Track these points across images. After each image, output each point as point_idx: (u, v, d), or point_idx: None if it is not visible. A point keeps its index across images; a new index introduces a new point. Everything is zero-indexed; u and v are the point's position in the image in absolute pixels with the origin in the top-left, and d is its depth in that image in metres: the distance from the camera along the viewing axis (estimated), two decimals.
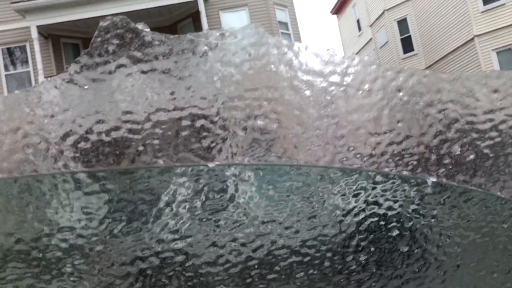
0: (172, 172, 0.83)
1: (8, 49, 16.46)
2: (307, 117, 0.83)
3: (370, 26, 30.02)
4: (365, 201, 0.90)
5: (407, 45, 26.57)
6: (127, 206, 0.84)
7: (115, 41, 0.82)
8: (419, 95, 0.85)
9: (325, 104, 0.84)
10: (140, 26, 0.82)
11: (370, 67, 0.85)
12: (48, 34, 16.30)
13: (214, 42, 0.80)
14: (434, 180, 0.85)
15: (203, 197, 0.85)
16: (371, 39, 30.68)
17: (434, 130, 0.88)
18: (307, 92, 0.82)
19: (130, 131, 0.80)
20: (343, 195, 0.88)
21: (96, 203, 0.85)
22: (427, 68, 25.33)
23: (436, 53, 24.23)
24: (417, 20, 25.70)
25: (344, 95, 0.84)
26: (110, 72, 0.81)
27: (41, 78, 14.80)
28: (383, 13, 27.55)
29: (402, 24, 26.62)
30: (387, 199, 0.90)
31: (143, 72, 0.79)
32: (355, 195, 0.88)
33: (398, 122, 0.86)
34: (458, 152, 0.87)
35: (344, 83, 0.84)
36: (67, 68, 0.84)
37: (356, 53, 34.52)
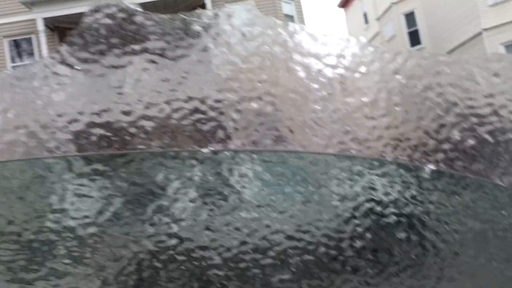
0: (165, 156, 0.82)
1: (15, 41, 16.47)
2: (302, 99, 0.81)
3: (377, 19, 29.81)
4: (362, 187, 0.89)
5: (414, 38, 26.37)
6: (120, 190, 0.83)
7: (107, 21, 0.80)
8: (417, 78, 0.83)
9: (320, 86, 0.82)
10: (132, 6, 0.81)
11: (367, 49, 0.83)
12: (55, 26, 16.28)
13: (208, 22, 0.78)
14: (433, 167, 0.83)
15: (196, 182, 0.83)
16: (378, 32, 30.48)
17: (432, 114, 0.86)
18: (302, 74, 0.81)
19: (122, 113, 0.79)
20: (339, 180, 0.87)
21: (89, 187, 0.84)
22: None
23: (444, 46, 24.03)
24: (425, 14, 25.49)
25: (340, 77, 0.82)
26: (102, 53, 0.80)
27: None
28: (390, 6, 27.35)
29: (410, 17, 26.42)
30: (383, 185, 0.89)
31: (135, 53, 0.78)
32: (351, 180, 0.87)
33: (395, 105, 0.84)
34: (457, 138, 0.85)
35: (340, 65, 0.83)
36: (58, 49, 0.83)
37: None
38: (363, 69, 0.82)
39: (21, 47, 16.61)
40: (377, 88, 0.83)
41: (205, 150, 0.79)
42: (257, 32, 0.79)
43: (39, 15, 15.13)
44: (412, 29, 26.37)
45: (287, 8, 17.94)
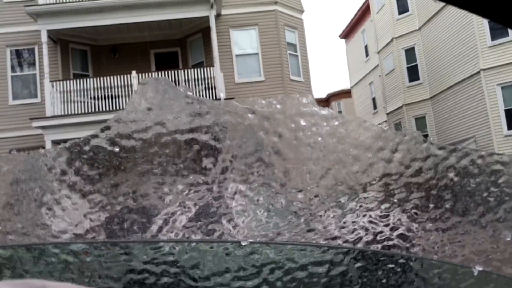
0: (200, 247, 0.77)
1: (17, 50, 16.48)
2: None
3: (378, 52, 30.16)
4: None
5: (413, 73, 26.66)
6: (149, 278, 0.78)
7: (153, 101, 0.76)
8: (471, 176, 0.80)
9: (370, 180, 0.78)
10: (182, 88, 0.76)
11: (422, 145, 0.80)
12: (58, 38, 16.34)
13: (260, 110, 0.75)
14: (480, 269, 0.79)
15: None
16: (377, 65, 30.81)
17: (481, 209, 0.82)
18: (355, 168, 0.77)
19: None
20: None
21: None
22: (431, 98, 25.38)
23: (441, 83, 24.28)
24: (425, 50, 25.82)
25: (392, 172, 0.78)
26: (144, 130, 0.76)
27: (46, 82, 14.79)
28: (391, 40, 27.69)
29: (410, 52, 26.75)
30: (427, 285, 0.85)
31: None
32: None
33: (445, 202, 0.80)
34: (508, 238, 0.81)
35: (394, 159, 0.79)
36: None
37: (362, 79, 34.72)
38: (416, 165, 0.79)
39: (22, 57, 16.60)
40: (429, 184, 0.79)
41: (244, 243, 0.74)
42: (312, 123, 0.75)
43: (44, 27, 15.17)
44: (411, 64, 26.67)
45: (290, 37, 18.11)
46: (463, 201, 0.76)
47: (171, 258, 0.75)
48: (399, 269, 0.75)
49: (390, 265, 0.75)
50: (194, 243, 0.72)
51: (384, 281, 0.74)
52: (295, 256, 0.72)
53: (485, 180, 0.79)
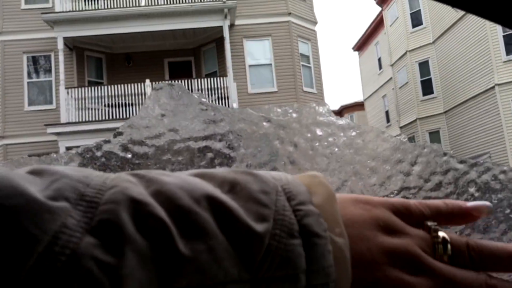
0: None
1: (33, 57, 16.69)
2: None
3: (391, 65, 30.09)
4: None
5: (427, 87, 26.54)
6: None
7: (167, 107, 0.75)
8: (493, 191, 0.77)
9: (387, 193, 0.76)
10: (196, 95, 0.75)
11: (442, 158, 0.77)
12: (73, 46, 16.53)
13: (275, 118, 0.73)
14: None
15: None
16: (391, 78, 30.72)
17: (503, 226, 0.79)
18: (372, 180, 0.74)
19: None
20: None
21: None
22: (445, 112, 25.20)
23: (455, 98, 24.13)
24: (439, 64, 25.71)
25: (411, 186, 0.76)
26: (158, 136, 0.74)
27: (62, 88, 14.94)
28: (405, 53, 27.62)
29: (424, 66, 26.65)
30: None
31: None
32: None
33: None
34: None
35: (413, 172, 0.76)
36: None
37: (375, 92, 34.58)
38: (436, 179, 0.76)
39: (39, 63, 16.80)
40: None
41: None
42: (329, 133, 0.73)
43: (60, 34, 15.36)
44: (425, 78, 26.56)
45: (304, 48, 18.13)
46: (484, 217, 0.73)
47: None
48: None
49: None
50: None
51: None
52: None
53: (507, 196, 0.76)
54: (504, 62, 20.53)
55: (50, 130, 14.74)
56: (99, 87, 15.62)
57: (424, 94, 26.60)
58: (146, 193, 0.33)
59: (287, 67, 17.25)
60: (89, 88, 15.62)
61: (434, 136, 26.06)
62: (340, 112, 50.48)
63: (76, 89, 15.46)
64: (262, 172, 0.38)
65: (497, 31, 20.66)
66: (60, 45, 15.26)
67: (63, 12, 15.51)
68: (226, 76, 15.62)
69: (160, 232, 0.31)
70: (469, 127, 22.94)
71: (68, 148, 14.93)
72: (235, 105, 14.89)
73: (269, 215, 0.35)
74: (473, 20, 21.86)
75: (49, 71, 16.68)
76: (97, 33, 15.96)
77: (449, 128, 25.19)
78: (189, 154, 0.72)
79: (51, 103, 16.51)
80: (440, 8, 24.76)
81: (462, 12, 22.63)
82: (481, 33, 21.36)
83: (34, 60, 16.73)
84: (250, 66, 17.16)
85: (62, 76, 15.11)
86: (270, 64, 17.30)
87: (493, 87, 20.76)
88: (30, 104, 16.46)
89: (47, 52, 16.65)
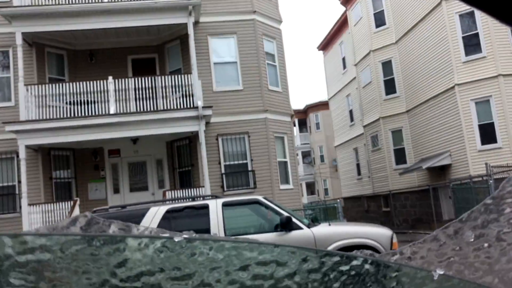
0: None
1: None
2: None
3: (355, 65, 30.52)
4: None
5: (389, 86, 27.05)
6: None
7: None
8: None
9: None
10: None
11: None
12: (33, 41, 16.08)
13: None
14: (441, 272, 0.75)
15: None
16: (355, 77, 31.16)
17: None
18: None
19: None
20: None
21: None
22: (407, 111, 25.73)
23: (417, 97, 24.67)
24: (401, 64, 26.23)
25: None
26: None
27: (21, 85, 14.51)
28: (369, 53, 28.07)
29: (387, 65, 27.15)
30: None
31: None
32: None
33: None
34: (471, 239, 0.78)
35: None
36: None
37: (339, 91, 35.08)
38: None
39: None
40: None
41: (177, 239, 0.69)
42: None
43: (19, 29, 14.91)
44: (388, 77, 27.06)
45: (269, 46, 18.17)
46: None
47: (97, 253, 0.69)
48: (353, 272, 0.71)
49: (343, 267, 0.71)
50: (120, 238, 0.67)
51: (335, 285, 0.70)
52: (238, 254, 0.68)
53: None
54: (464, 62, 21.10)
55: (9, 128, 14.31)
56: (61, 84, 15.24)
57: (387, 93, 27.10)
58: None
59: (252, 65, 17.26)
60: (50, 85, 15.22)
61: (397, 134, 26.58)
62: (305, 112, 50.90)
63: (36, 86, 15.04)
64: None
65: (456, 32, 21.22)
66: (19, 40, 14.82)
67: (21, 6, 15.07)
68: (190, 73, 15.51)
69: None
70: (430, 126, 23.50)
71: (28, 147, 14.54)
72: (199, 103, 14.80)
73: None
74: (434, 21, 22.41)
75: (7, 67, 16.19)
76: (58, 29, 15.58)
77: (411, 127, 25.74)
78: None
79: (9, 100, 16.03)
80: (403, 9, 25.27)
81: (423, 13, 23.16)
82: (442, 34, 21.89)
83: None
84: (215, 63, 17.08)
85: (21, 73, 14.69)
86: (235, 62, 17.27)
87: (453, 87, 21.31)
88: None
89: (5, 47, 16.15)
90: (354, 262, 0.72)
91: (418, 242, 0.75)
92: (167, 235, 0.67)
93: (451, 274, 0.71)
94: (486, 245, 0.76)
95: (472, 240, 0.75)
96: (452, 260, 0.72)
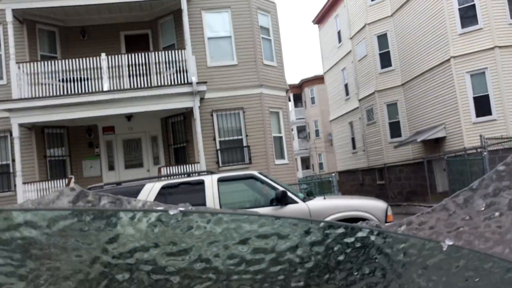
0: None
1: None
2: None
3: (351, 38, 30.28)
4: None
5: (385, 60, 26.89)
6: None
7: None
8: None
9: None
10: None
11: None
12: (24, 18, 15.80)
13: None
14: (450, 243, 0.72)
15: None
16: (350, 51, 30.94)
17: None
18: None
19: None
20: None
21: None
22: (403, 85, 25.66)
23: (413, 70, 24.57)
24: (397, 37, 26.03)
25: None
26: None
27: (12, 63, 14.32)
28: (364, 26, 27.81)
29: (382, 39, 26.94)
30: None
31: None
32: None
33: None
34: (482, 208, 0.75)
35: None
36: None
37: (335, 65, 34.90)
38: None
39: None
40: None
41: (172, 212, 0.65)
42: None
43: (9, 6, 14.64)
44: (384, 51, 26.88)
45: (263, 20, 17.95)
46: None
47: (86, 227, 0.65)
48: (358, 244, 0.67)
49: (348, 239, 0.67)
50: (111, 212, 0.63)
51: (340, 258, 0.67)
52: (237, 228, 0.64)
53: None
54: (460, 35, 20.94)
55: (1, 106, 14.17)
56: (53, 62, 15.04)
57: (383, 66, 26.96)
58: None
59: (247, 40, 17.07)
60: (42, 62, 15.02)
61: (392, 108, 26.56)
62: (300, 86, 50.71)
63: (28, 64, 14.84)
64: None
65: (452, 4, 21.02)
66: (9, 17, 14.56)
67: None
68: (184, 49, 15.32)
69: None
70: (426, 99, 23.46)
71: (22, 125, 14.44)
72: (194, 79, 14.67)
73: None
74: None
75: None
76: (49, 5, 15.29)
77: (406, 100, 25.69)
78: None
79: (1, 78, 15.84)
80: None
81: None
82: (438, 6, 21.68)
83: None
84: (209, 38, 16.88)
85: (12, 50, 14.48)
86: (230, 37, 17.07)
87: (448, 60, 21.20)
88: None
89: None
90: (359, 234, 0.69)
91: (426, 212, 0.71)
92: (161, 208, 0.63)
93: (460, 245, 0.68)
94: (497, 214, 0.73)
95: (483, 209, 0.72)
96: (462, 230, 0.69)
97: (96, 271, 0.64)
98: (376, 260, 0.70)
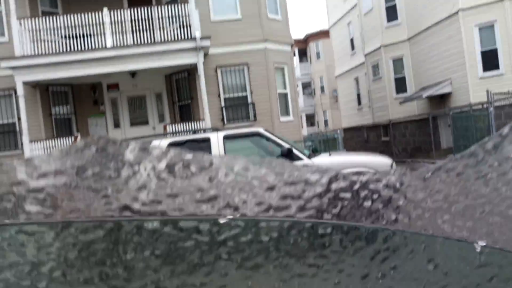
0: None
1: None
2: None
3: None
4: None
5: (391, 13, 26.34)
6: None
7: None
8: None
9: None
10: None
11: None
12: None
13: None
14: (483, 244, 0.68)
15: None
16: (356, 4, 30.30)
17: None
18: None
19: None
20: None
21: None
22: (409, 39, 25.24)
23: (419, 24, 24.09)
24: None
25: None
26: None
27: (13, 19, 14.12)
28: None
29: None
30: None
31: None
32: None
33: None
34: None
35: None
36: None
37: (340, 19, 34.19)
38: None
39: None
40: None
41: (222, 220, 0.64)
42: None
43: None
44: (390, 4, 26.30)
45: None
46: None
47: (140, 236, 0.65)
48: (389, 245, 0.67)
49: (373, 185, 0.67)
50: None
51: (366, 203, 0.66)
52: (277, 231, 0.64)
53: None
54: None
55: (5, 64, 14.08)
56: (55, 17, 14.81)
57: (389, 20, 26.44)
58: None
59: None
60: (44, 18, 14.80)
61: (398, 63, 26.23)
62: (305, 41, 49.97)
63: (29, 20, 14.63)
64: None
65: None
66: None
67: None
68: (187, 2, 15.03)
69: None
70: (432, 53, 23.12)
71: (26, 83, 14.37)
72: (197, 34, 14.46)
73: None
74: None
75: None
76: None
77: (412, 55, 25.34)
78: None
79: (3, 35, 15.66)
80: None
81: None
82: None
83: None
84: None
85: (12, 6, 14.25)
86: None
87: (456, 12, 20.74)
88: None
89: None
90: (384, 181, 0.69)
91: (454, 158, 0.71)
92: (190, 156, 0.63)
93: (488, 191, 0.68)
94: None
95: None
96: (490, 177, 0.68)
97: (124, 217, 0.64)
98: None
